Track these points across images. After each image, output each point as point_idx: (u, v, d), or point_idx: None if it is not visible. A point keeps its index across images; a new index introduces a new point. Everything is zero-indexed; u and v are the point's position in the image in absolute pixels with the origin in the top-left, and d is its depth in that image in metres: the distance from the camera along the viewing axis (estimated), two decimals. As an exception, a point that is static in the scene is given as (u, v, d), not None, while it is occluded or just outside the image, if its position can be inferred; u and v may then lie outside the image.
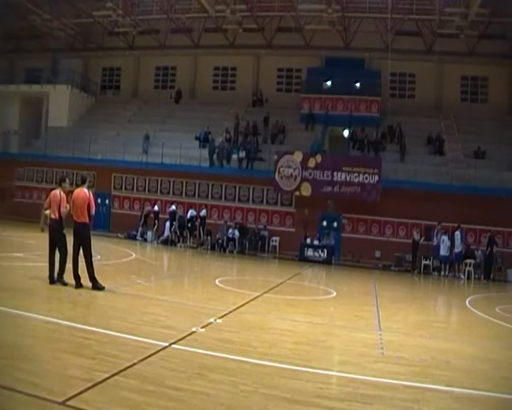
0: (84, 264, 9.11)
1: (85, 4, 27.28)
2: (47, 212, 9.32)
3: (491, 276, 19.42)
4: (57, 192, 9.28)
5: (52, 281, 9.06)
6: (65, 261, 9.15)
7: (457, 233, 19.68)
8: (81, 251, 9.19)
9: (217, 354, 5.73)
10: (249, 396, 4.53)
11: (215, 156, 24.20)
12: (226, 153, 24.24)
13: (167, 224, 22.55)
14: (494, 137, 23.89)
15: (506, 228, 20.61)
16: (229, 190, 24.40)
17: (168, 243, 22.13)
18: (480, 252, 19.94)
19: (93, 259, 9.34)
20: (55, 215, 9.17)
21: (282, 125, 25.85)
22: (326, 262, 20.59)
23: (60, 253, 9.14)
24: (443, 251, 19.56)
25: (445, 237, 19.63)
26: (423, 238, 20.81)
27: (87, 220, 9.25)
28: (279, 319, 8.44)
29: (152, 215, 23.19)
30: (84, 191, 9.32)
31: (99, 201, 22.85)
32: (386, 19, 24.63)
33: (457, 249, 19.53)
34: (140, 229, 23.07)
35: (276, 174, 22.51)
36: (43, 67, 31.26)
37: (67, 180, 9.69)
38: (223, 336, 6.63)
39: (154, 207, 23.50)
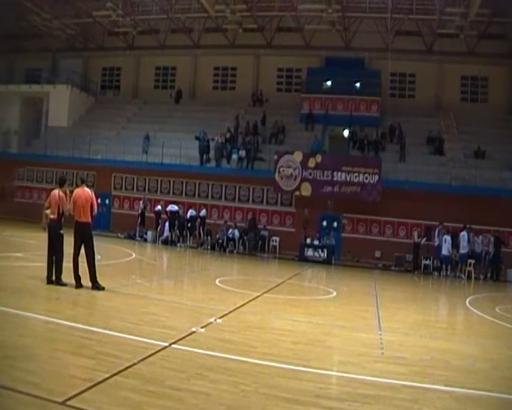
0: (84, 264, 9.09)
1: (85, 4, 27.29)
2: (47, 211, 9.34)
3: (495, 276, 19.08)
4: (56, 192, 9.27)
5: (50, 281, 9.04)
6: (61, 261, 9.13)
7: (464, 234, 19.11)
8: (82, 251, 9.17)
9: (217, 354, 5.73)
10: (249, 396, 4.53)
11: (209, 156, 24.33)
12: (225, 152, 24.25)
13: (166, 224, 22.53)
14: (494, 137, 23.88)
15: (506, 228, 20.57)
16: (229, 190, 24.39)
17: (168, 242, 22.13)
18: (483, 251, 19.69)
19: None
20: (54, 215, 9.18)
21: (282, 124, 25.83)
22: (326, 262, 20.57)
23: (56, 253, 9.09)
24: (445, 251, 19.30)
25: (447, 237, 19.32)
26: (424, 239, 20.74)
27: (89, 220, 9.25)
28: (279, 318, 8.43)
29: (154, 215, 23.16)
30: (86, 191, 9.33)
31: (99, 201, 22.81)
32: (386, 19, 24.64)
33: (463, 250, 18.98)
34: (138, 228, 23.07)
35: (276, 174, 22.51)
36: (43, 67, 31.31)
37: (67, 182, 9.69)
38: (223, 336, 6.63)
39: (156, 207, 23.47)
